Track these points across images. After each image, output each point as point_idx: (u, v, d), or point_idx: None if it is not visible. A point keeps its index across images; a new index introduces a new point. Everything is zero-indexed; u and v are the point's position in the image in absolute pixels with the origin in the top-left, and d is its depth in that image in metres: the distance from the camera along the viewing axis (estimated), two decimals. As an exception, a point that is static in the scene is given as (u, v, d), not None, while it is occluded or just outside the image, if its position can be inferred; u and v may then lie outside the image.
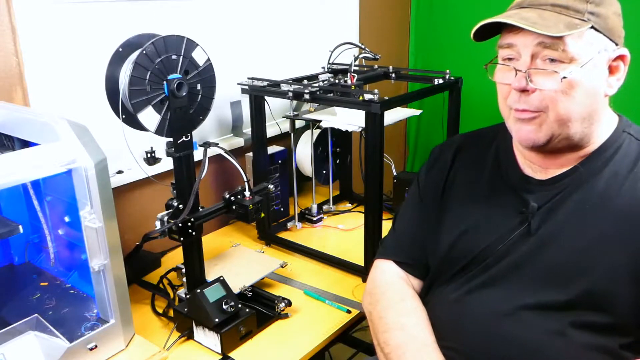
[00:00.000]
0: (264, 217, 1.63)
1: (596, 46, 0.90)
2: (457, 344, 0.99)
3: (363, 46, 1.71)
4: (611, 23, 0.92)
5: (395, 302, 1.09)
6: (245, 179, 1.28)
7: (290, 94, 1.49)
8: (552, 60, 0.90)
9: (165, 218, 1.24)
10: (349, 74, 1.56)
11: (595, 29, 0.90)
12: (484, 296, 0.99)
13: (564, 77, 0.89)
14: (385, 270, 1.15)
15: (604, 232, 0.92)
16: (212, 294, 1.22)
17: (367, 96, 1.35)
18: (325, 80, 1.65)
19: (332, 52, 1.75)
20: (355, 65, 1.81)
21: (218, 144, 1.30)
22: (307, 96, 1.45)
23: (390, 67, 1.73)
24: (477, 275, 1.01)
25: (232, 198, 1.29)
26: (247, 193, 1.29)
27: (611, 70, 0.94)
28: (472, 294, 1.01)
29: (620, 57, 0.94)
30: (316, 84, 1.55)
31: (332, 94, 1.50)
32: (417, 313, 1.06)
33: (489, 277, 1.00)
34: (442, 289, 1.06)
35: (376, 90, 1.35)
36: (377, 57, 1.69)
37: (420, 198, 1.16)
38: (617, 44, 0.93)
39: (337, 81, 1.57)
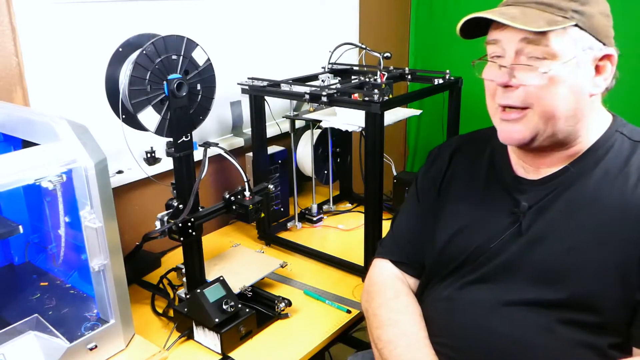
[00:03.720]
0: (264, 217, 1.63)
1: (580, 44, 0.91)
2: (448, 340, 1.00)
3: (364, 46, 1.71)
4: (597, 22, 0.91)
5: (389, 299, 1.10)
6: (245, 179, 1.28)
7: (307, 97, 1.45)
8: (536, 57, 0.91)
9: (165, 218, 1.24)
10: (378, 72, 1.56)
11: (580, 27, 0.90)
12: (474, 293, 1.01)
13: (545, 72, 0.90)
14: (382, 268, 1.17)
15: (593, 232, 0.92)
16: (212, 294, 1.22)
17: (367, 96, 1.35)
18: (333, 82, 1.64)
19: (333, 52, 1.75)
20: (358, 66, 1.81)
21: (218, 144, 1.30)
22: (324, 99, 1.42)
23: (406, 69, 1.71)
24: (469, 273, 1.02)
25: (232, 198, 1.29)
26: (247, 193, 1.29)
27: (597, 69, 0.94)
28: (462, 291, 1.02)
29: (607, 57, 0.93)
30: (334, 85, 1.53)
31: (358, 91, 1.48)
32: (409, 310, 1.07)
33: (480, 276, 1.01)
34: (436, 287, 1.08)
35: (376, 91, 1.35)
36: (389, 56, 1.68)
37: (418, 199, 1.18)
38: (604, 44, 0.92)
39: (367, 79, 1.57)
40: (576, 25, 0.90)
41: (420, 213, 1.16)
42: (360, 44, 1.74)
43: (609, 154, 0.97)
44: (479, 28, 0.97)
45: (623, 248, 0.90)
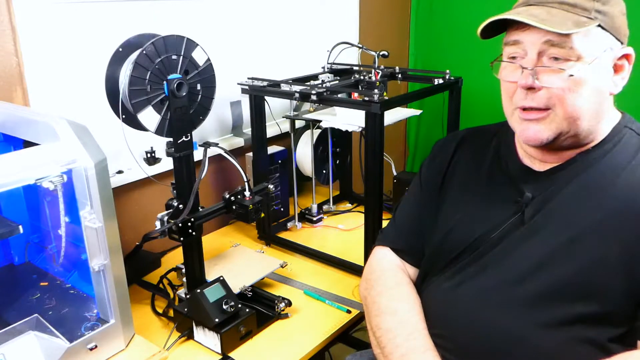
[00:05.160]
0: (264, 217, 1.63)
1: (602, 44, 0.91)
2: (447, 332, 1.00)
3: (360, 45, 1.71)
4: (617, 22, 0.93)
5: (389, 287, 1.10)
6: (245, 179, 1.28)
7: (297, 95, 1.47)
8: (557, 58, 0.90)
9: (165, 218, 1.24)
10: (373, 70, 1.57)
11: (602, 28, 0.91)
12: (474, 286, 1.00)
13: (571, 75, 0.90)
14: (382, 256, 1.17)
15: (595, 223, 0.92)
16: (212, 294, 1.22)
17: (367, 96, 1.35)
18: (328, 80, 1.65)
19: (330, 52, 1.75)
20: (358, 66, 1.81)
21: (218, 144, 1.30)
22: (314, 97, 1.43)
23: (397, 68, 1.72)
24: (469, 264, 1.02)
25: (232, 198, 1.29)
26: (247, 193, 1.29)
27: (616, 69, 0.94)
28: (463, 283, 1.02)
29: (625, 56, 0.95)
30: (326, 82, 1.54)
31: (358, 89, 1.50)
32: (409, 299, 1.07)
33: (480, 267, 1.01)
34: (436, 278, 1.07)
35: (376, 90, 1.35)
36: (385, 54, 1.70)
37: (421, 188, 1.18)
38: (622, 43, 0.94)
39: (362, 77, 1.57)
40: (599, 25, 0.90)
41: (422, 202, 1.16)
42: (356, 43, 1.74)
43: (616, 147, 0.97)
44: (495, 28, 0.97)
45: (627, 241, 0.89)
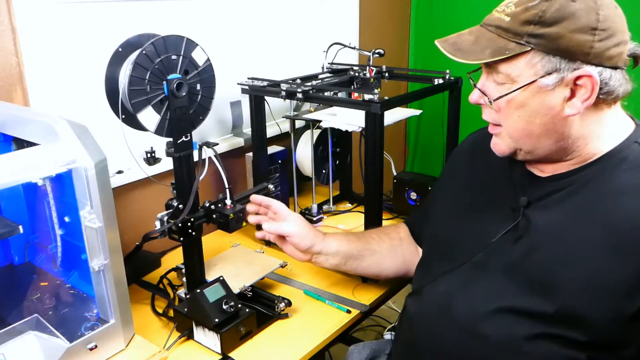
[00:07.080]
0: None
1: (541, 68, 0.88)
2: (437, 339, 1.01)
3: (353, 45, 1.72)
4: (566, 43, 0.85)
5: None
6: (226, 186, 1.25)
7: (284, 93, 1.48)
8: (496, 81, 0.93)
9: (165, 218, 1.24)
10: (367, 67, 1.59)
11: (540, 51, 0.87)
12: (467, 294, 1.00)
13: (495, 100, 0.93)
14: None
15: (592, 245, 0.88)
16: (212, 294, 1.22)
17: (367, 96, 1.35)
18: (326, 78, 1.65)
19: (327, 52, 1.76)
20: (358, 66, 1.81)
21: (218, 144, 1.30)
22: (299, 95, 1.44)
23: (384, 67, 1.73)
24: (463, 271, 1.03)
25: (212, 207, 1.26)
26: (228, 201, 1.26)
27: (574, 90, 0.88)
28: (458, 289, 1.02)
29: (587, 77, 0.86)
30: (323, 79, 1.56)
31: (352, 86, 1.56)
32: (378, 234, 1.35)
33: (475, 273, 1.01)
34: (432, 282, 1.08)
35: (376, 90, 1.35)
36: (381, 52, 1.71)
37: (438, 186, 1.28)
38: (586, 61, 0.86)
39: (357, 74, 1.58)
40: (536, 49, 0.87)
41: (434, 200, 1.26)
42: (348, 44, 1.75)
43: (621, 165, 0.92)
44: None
45: (622, 266, 0.86)
